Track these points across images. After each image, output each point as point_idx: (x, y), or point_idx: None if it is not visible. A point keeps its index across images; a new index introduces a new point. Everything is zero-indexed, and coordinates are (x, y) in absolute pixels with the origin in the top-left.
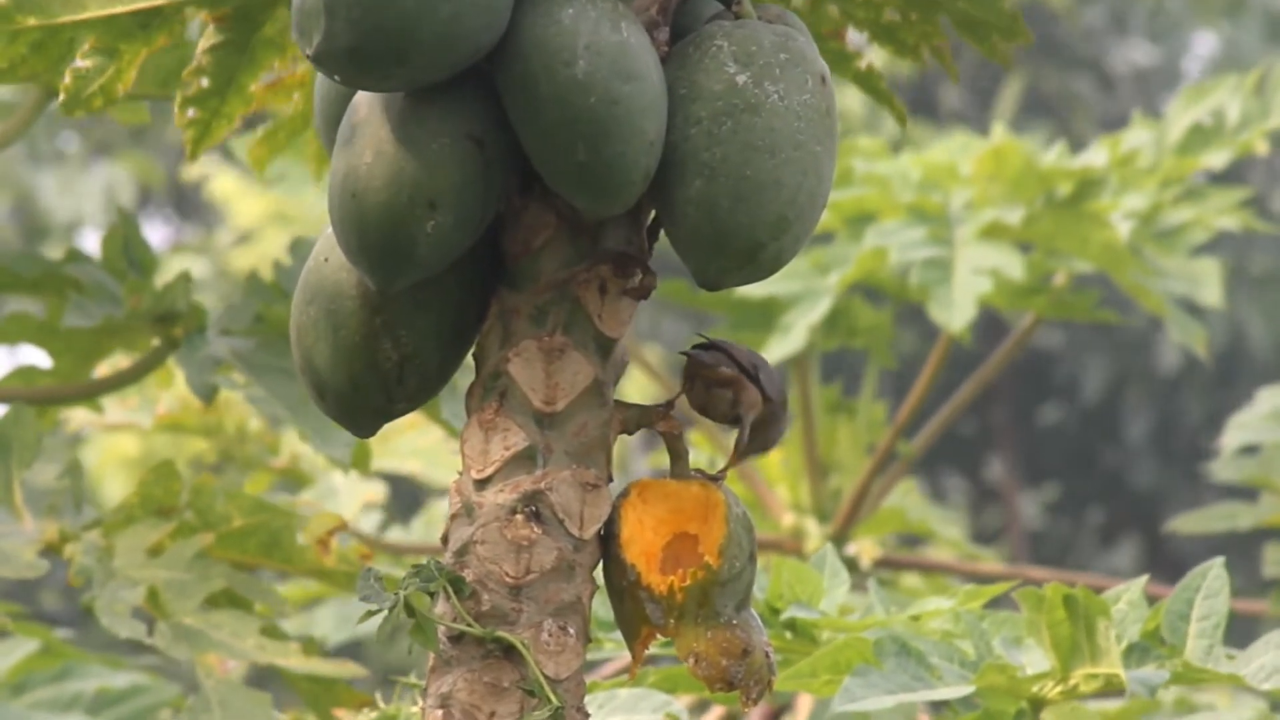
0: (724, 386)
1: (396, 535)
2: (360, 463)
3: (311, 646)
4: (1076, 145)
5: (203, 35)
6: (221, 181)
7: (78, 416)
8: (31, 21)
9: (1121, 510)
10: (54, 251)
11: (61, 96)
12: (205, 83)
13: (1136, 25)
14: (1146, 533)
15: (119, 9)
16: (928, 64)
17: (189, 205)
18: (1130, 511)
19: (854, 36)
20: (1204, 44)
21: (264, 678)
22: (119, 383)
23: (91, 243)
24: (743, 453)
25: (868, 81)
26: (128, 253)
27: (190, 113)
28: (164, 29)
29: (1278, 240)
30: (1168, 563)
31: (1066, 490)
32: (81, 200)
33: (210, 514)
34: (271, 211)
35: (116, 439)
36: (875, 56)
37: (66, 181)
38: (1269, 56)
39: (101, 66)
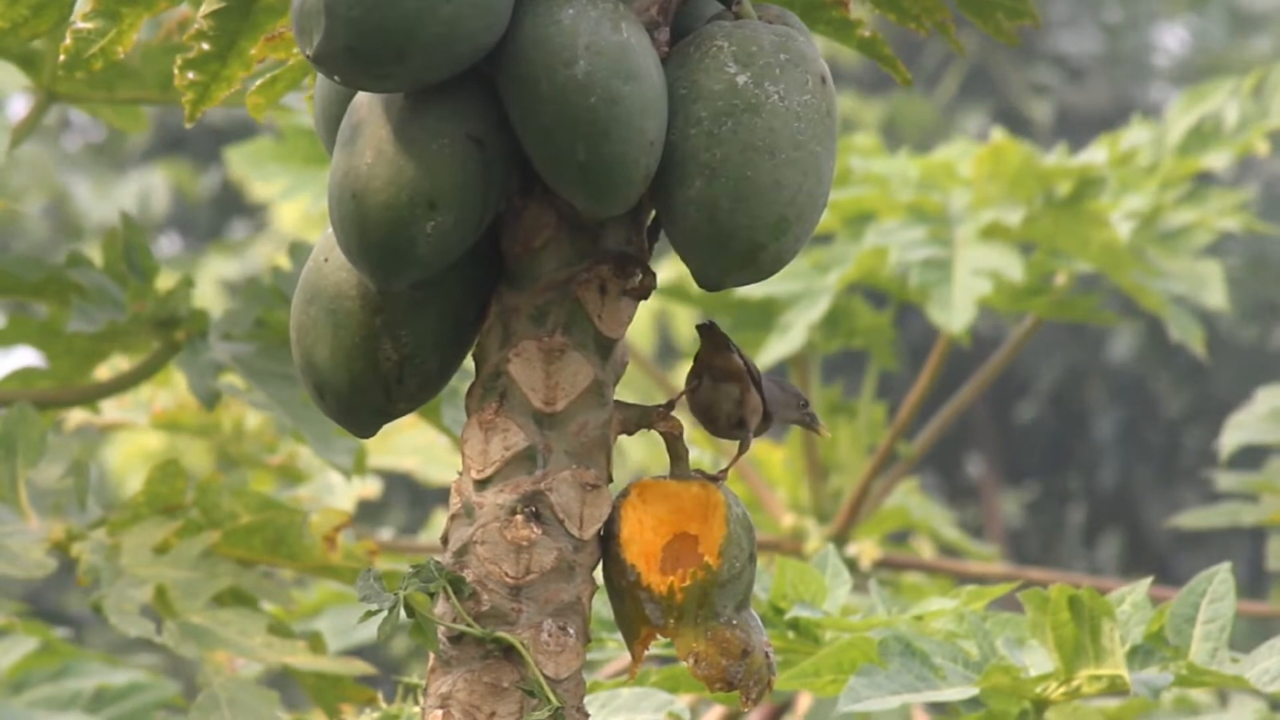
0: (732, 381)
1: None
2: (357, 466)
3: (318, 643)
4: (1019, 130)
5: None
6: (264, 186)
7: (75, 415)
8: None
9: (1101, 506)
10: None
11: (61, 57)
12: (206, 46)
13: (1098, 15)
14: (1127, 528)
15: None
16: (929, 34)
17: (233, 210)
18: (1109, 508)
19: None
20: (1170, 36)
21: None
22: (119, 386)
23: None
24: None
25: (872, 48)
26: (129, 257)
27: (190, 75)
28: None
29: (1252, 234)
30: (1150, 558)
31: (1044, 487)
32: (116, 204)
33: (216, 512)
34: (312, 216)
35: (140, 436)
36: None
37: (102, 184)
38: (1235, 49)
39: (103, 29)
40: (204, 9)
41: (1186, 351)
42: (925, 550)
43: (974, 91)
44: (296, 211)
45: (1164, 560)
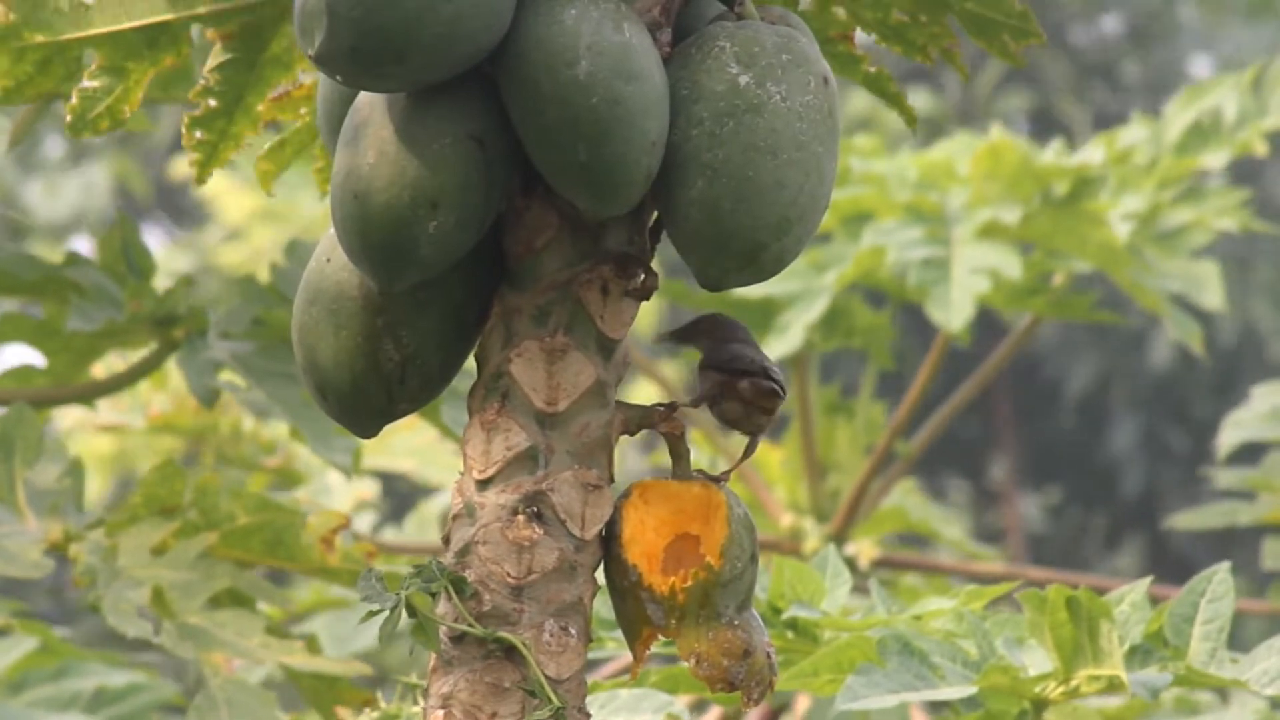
0: (744, 372)
1: (389, 535)
2: (354, 464)
3: (315, 645)
4: (1057, 128)
5: (210, 54)
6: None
7: (71, 416)
8: (38, 38)
9: (1123, 511)
10: (44, 251)
11: (68, 118)
12: (213, 103)
13: (1143, 26)
14: (1149, 533)
15: (125, 25)
16: (935, 63)
17: (176, 206)
18: (1132, 512)
19: (861, 38)
20: (1212, 49)
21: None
22: (116, 385)
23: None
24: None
25: (877, 84)
26: (126, 256)
27: (198, 134)
28: (171, 47)
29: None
30: (1171, 562)
31: (1068, 491)
32: (62, 202)
33: (214, 513)
34: (260, 209)
35: (94, 438)
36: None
37: (50, 183)
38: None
39: (109, 86)
40: (209, 63)
41: (1213, 357)
42: (940, 558)
43: (1014, 81)
44: (245, 203)
45: (1186, 563)
